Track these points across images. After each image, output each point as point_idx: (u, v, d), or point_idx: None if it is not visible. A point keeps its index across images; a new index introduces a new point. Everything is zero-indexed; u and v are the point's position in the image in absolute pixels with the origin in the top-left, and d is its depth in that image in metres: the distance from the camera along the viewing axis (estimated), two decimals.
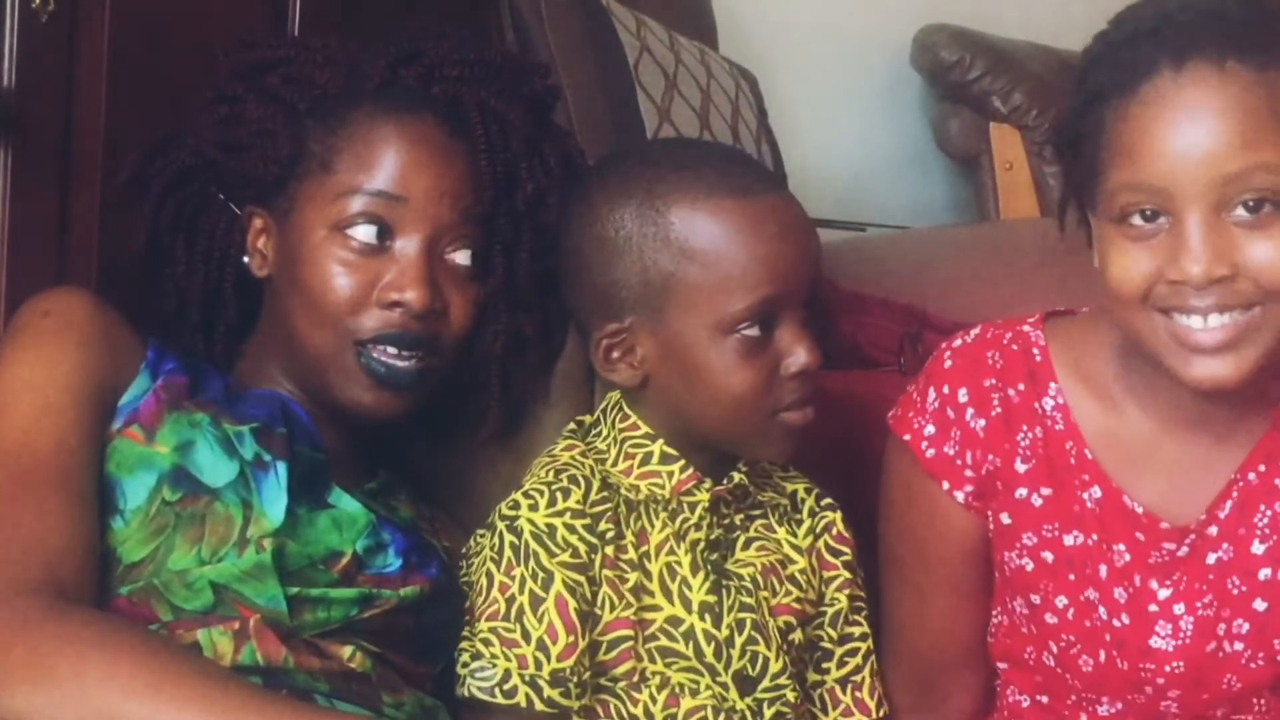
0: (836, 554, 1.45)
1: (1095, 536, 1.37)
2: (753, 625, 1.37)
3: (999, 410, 1.39)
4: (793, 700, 1.38)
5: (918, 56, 3.30)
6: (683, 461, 1.39)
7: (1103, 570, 1.37)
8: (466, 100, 1.42)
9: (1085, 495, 1.38)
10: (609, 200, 1.38)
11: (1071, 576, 1.38)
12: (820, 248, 1.41)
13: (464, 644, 1.33)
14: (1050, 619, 1.39)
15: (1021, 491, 1.39)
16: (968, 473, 1.40)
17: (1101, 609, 1.37)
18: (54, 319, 1.33)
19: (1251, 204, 1.24)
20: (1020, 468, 1.39)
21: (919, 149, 3.38)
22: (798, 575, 1.43)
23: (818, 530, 1.46)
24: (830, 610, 1.44)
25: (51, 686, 1.13)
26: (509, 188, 1.43)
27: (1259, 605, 1.35)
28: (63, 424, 1.28)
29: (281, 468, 1.30)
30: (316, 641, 1.28)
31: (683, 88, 2.33)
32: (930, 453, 1.41)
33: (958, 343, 1.44)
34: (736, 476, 1.41)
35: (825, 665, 1.44)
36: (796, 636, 1.40)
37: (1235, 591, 1.36)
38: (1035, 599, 1.39)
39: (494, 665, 1.30)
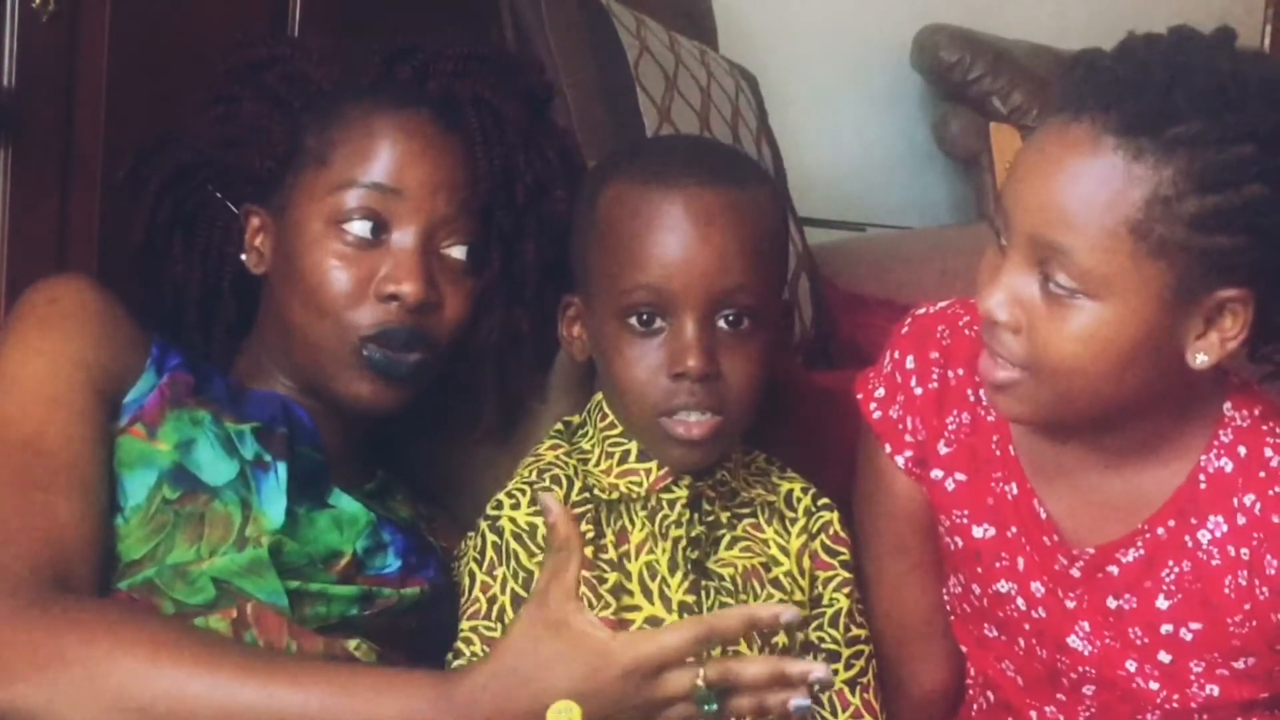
0: (834, 554, 1.44)
1: (1014, 529, 1.36)
2: None
3: (935, 386, 1.39)
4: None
5: (918, 56, 3.30)
6: (658, 461, 1.38)
7: (1020, 563, 1.36)
8: (461, 95, 1.42)
9: (1005, 489, 1.37)
10: (586, 179, 1.43)
11: (979, 569, 1.38)
12: (758, 261, 1.33)
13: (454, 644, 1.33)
14: (975, 603, 1.40)
15: (938, 473, 1.39)
16: (908, 438, 1.40)
17: (1019, 600, 1.36)
18: (60, 306, 1.33)
19: None
20: (942, 450, 1.39)
21: (919, 149, 3.38)
22: (782, 578, 1.41)
23: (814, 530, 1.45)
24: (830, 611, 1.43)
25: (59, 676, 1.13)
26: (506, 181, 1.43)
27: (1164, 657, 1.33)
28: (70, 415, 1.28)
29: (281, 468, 1.30)
30: (318, 634, 1.28)
31: (683, 88, 2.33)
32: (877, 414, 1.42)
33: (921, 310, 1.44)
34: (720, 473, 1.41)
35: (834, 667, 1.41)
36: (781, 640, 1.39)
37: (1139, 642, 1.34)
38: (956, 585, 1.41)
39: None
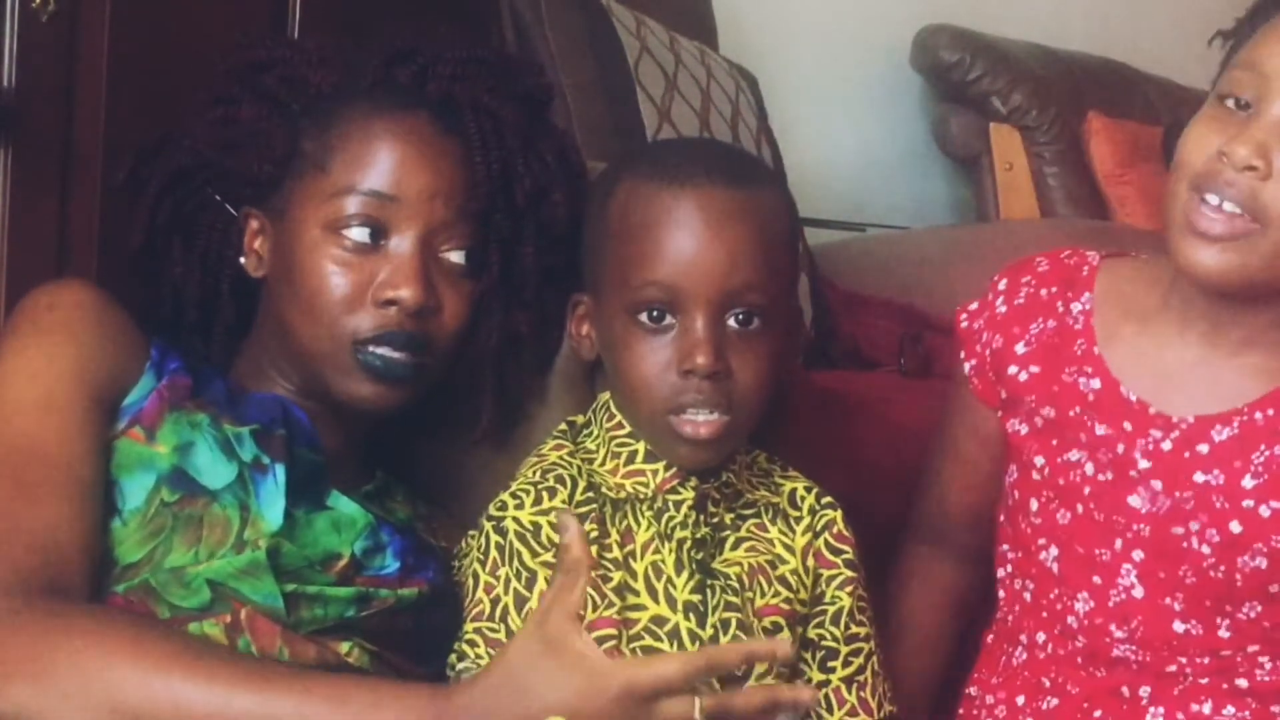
0: (837, 552, 1.45)
1: (1078, 409, 1.48)
2: (738, 625, 1.37)
3: (1022, 301, 1.54)
4: None
5: (918, 57, 3.30)
6: (666, 460, 1.39)
7: (1082, 437, 1.48)
8: (460, 98, 1.42)
9: (1083, 383, 1.49)
10: (599, 179, 1.43)
11: (1054, 441, 1.49)
12: (769, 260, 1.35)
13: (455, 645, 1.33)
14: (1034, 476, 1.50)
15: (1013, 368, 1.52)
16: (977, 347, 1.56)
17: (1088, 465, 1.47)
18: (59, 312, 1.33)
19: None
20: (1019, 349, 1.52)
21: (919, 149, 3.38)
22: (788, 576, 1.41)
23: (817, 528, 1.45)
24: (832, 609, 1.43)
25: (51, 682, 1.13)
26: (506, 184, 1.43)
27: (1235, 527, 1.41)
28: (67, 419, 1.28)
29: (280, 470, 1.30)
30: (312, 637, 1.28)
31: (683, 88, 2.33)
32: (965, 323, 1.58)
33: (1024, 258, 1.61)
34: (725, 475, 1.41)
35: (831, 664, 1.42)
36: (785, 637, 1.39)
37: (1218, 506, 1.42)
38: (1024, 456, 1.52)
39: (477, 665, 1.30)
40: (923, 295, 2.54)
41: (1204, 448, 1.43)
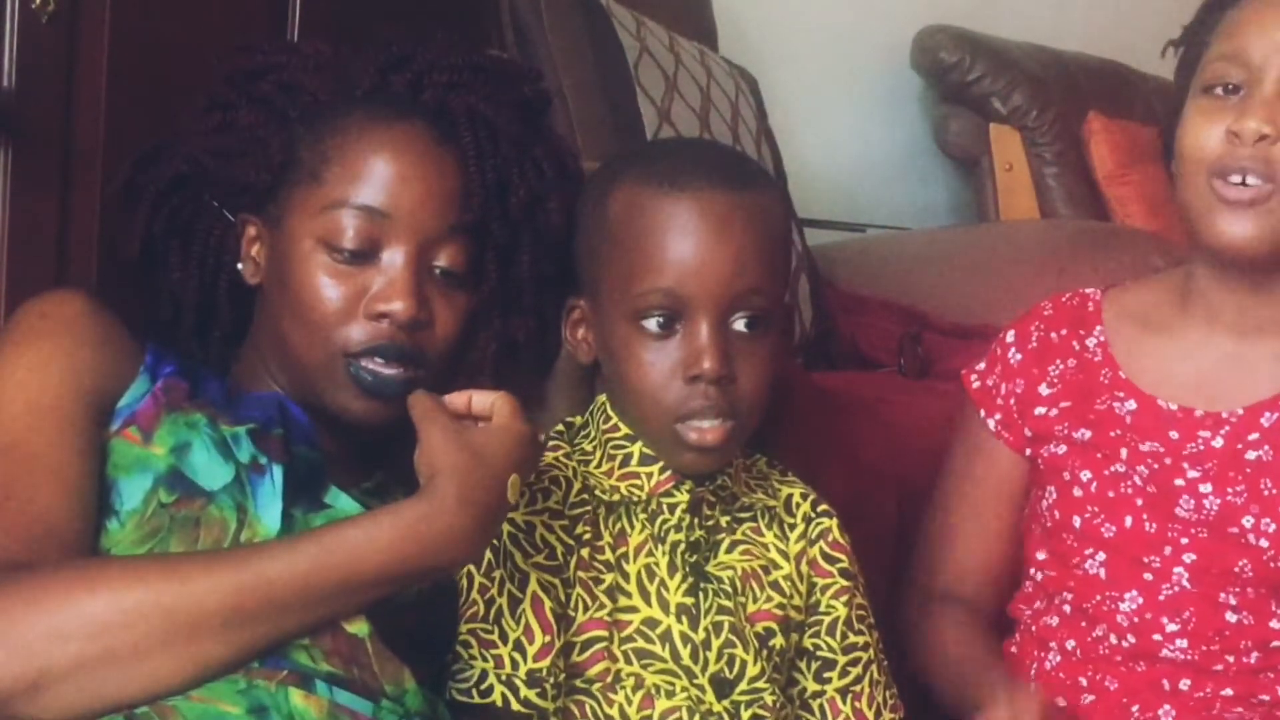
0: (832, 560, 1.44)
1: (1117, 431, 1.52)
2: (730, 628, 1.37)
3: (1035, 345, 1.60)
4: (770, 704, 1.36)
5: (918, 57, 3.30)
6: (661, 463, 1.38)
7: (1123, 452, 1.51)
8: (455, 107, 1.42)
9: (1117, 407, 1.54)
10: (589, 182, 1.43)
11: (1100, 455, 1.52)
12: (770, 263, 1.35)
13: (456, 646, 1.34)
14: (1077, 492, 1.53)
15: (1040, 409, 1.57)
16: (998, 400, 1.60)
17: (1135, 478, 1.50)
18: (50, 321, 1.33)
19: None
20: (1044, 390, 1.58)
21: (919, 150, 3.38)
22: (781, 581, 1.41)
23: (812, 536, 1.44)
24: (827, 619, 1.43)
25: (21, 628, 1.14)
26: (500, 194, 1.42)
27: None
28: (57, 422, 1.28)
29: (277, 471, 1.30)
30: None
31: (683, 88, 2.33)
32: (976, 384, 1.63)
33: (1029, 311, 1.66)
34: (720, 478, 1.41)
35: (827, 675, 1.42)
36: (778, 642, 1.38)
37: (1267, 493, 1.45)
38: (1066, 475, 1.54)
39: (471, 666, 1.30)
40: (923, 295, 2.54)
41: (1254, 435, 1.47)
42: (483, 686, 1.30)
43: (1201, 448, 1.49)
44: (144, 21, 1.53)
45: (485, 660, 1.30)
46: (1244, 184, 1.43)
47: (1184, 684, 1.47)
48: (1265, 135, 1.42)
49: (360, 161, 1.37)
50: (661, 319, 1.33)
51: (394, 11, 1.72)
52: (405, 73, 1.42)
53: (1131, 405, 1.53)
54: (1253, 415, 1.49)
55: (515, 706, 1.29)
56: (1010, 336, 1.62)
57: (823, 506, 1.46)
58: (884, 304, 2.55)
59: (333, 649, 1.23)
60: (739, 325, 1.33)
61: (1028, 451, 1.59)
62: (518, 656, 1.30)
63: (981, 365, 1.63)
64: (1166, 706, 1.48)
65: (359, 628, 1.25)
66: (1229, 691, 1.46)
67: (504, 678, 1.30)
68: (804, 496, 1.46)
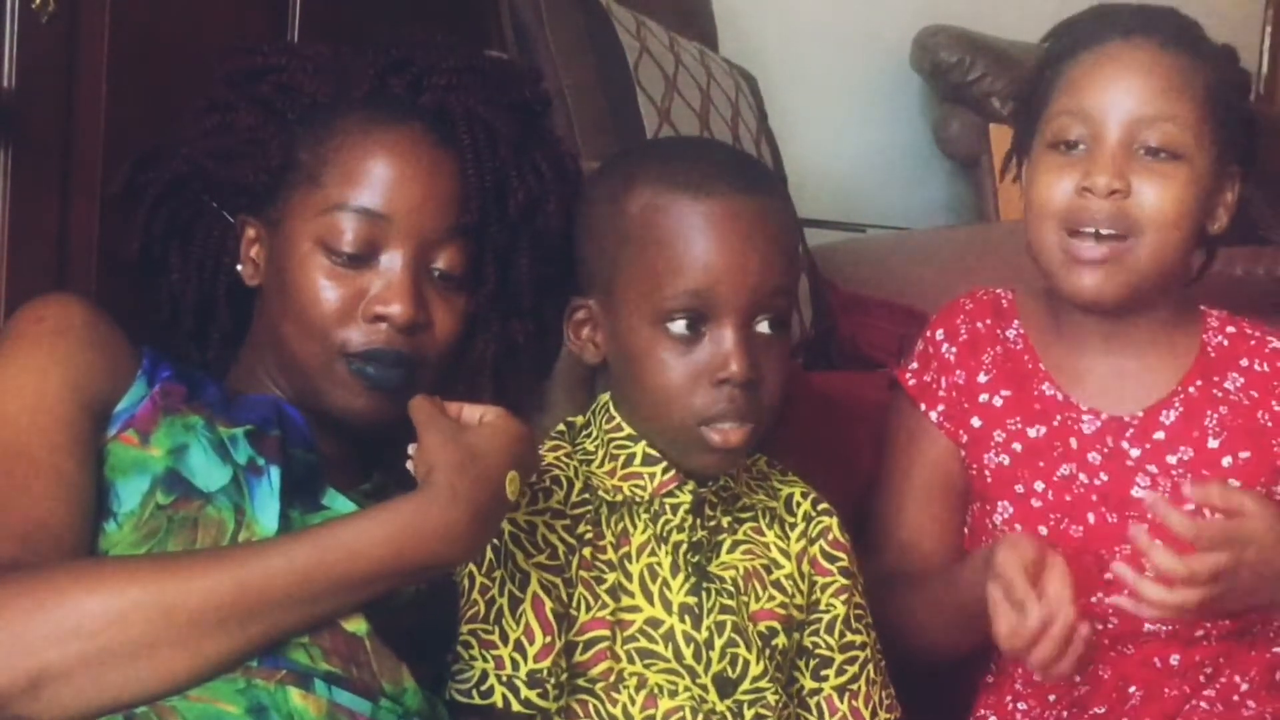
0: (832, 559, 1.45)
1: (1059, 418, 1.58)
2: (733, 627, 1.37)
3: (965, 337, 1.63)
4: (773, 703, 1.37)
5: (918, 57, 3.30)
6: (664, 463, 1.38)
7: (1073, 442, 1.56)
8: (454, 109, 1.42)
9: (1043, 390, 1.59)
10: (598, 181, 1.43)
11: (1041, 463, 1.56)
12: (790, 264, 1.38)
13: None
14: (1035, 503, 1.55)
15: (984, 396, 1.61)
16: (940, 392, 1.62)
17: (1081, 475, 1.55)
18: (48, 325, 1.33)
19: (1151, 147, 1.50)
20: (982, 378, 1.61)
21: (919, 150, 3.38)
22: (783, 580, 1.42)
23: (813, 535, 1.45)
24: (826, 617, 1.43)
25: (14, 629, 1.13)
26: (499, 197, 1.42)
27: (1233, 484, 1.49)
28: (54, 425, 1.28)
29: (275, 472, 1.30)
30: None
31: (683, 88, 2.33)
32: (913, 381, 1.64)
33: (946, 307, 1.70)
34: (723, 479, 1.41)
35: (824, 673, 1.42)
36: (780, 641, 1.39)
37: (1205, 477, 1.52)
38: (1019, 489, 1.56)
39: (471, 667, 1.30)
40: (923, 295, 2.54)
41: (1159, 434, 1.56)
42: (483, 687, 1.30)
43: (1120, 451, 1.55)
44: (144, 21, 1.53)
45: (486, 661, 1.30)
46: (1097, 235, 1.50)
47: (1174, 659, 1.51)
48: (1117, 190, 1.49)
49: (359, 164, 1.37)
50: (688, 322, 1.33)
51: (394, 12, 1.72)
52: (404, 75, 1.42)
53: (1049, 390, 1.59)
54: (1152, 416, 1.56)
55: (516, 707, 1.29)
56: (940, 334, 1.64)
57: (823, 505, 1.47)
58: (884, 304, 2.55)
59: (331, 648, 1.23)
60: (762, 327, 1.35)
61: (963, 454, 1.61)
62: (518, 657, 1.30)
63: (915, 364, 1.65)
64: (1167, 689, 1.51)
65: (357, 627, 1.25)
66: (1221, 659, 1.52)
67: (504, 678, 1.30)
68: (804, 495, 1.47)
